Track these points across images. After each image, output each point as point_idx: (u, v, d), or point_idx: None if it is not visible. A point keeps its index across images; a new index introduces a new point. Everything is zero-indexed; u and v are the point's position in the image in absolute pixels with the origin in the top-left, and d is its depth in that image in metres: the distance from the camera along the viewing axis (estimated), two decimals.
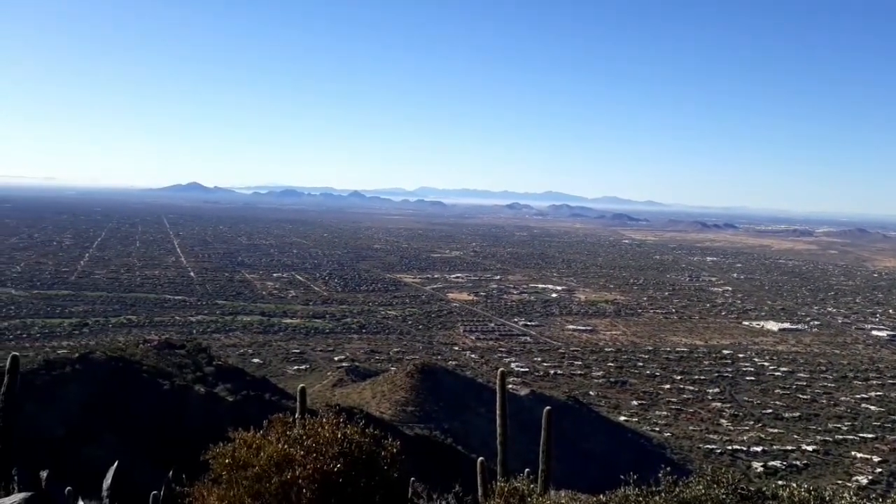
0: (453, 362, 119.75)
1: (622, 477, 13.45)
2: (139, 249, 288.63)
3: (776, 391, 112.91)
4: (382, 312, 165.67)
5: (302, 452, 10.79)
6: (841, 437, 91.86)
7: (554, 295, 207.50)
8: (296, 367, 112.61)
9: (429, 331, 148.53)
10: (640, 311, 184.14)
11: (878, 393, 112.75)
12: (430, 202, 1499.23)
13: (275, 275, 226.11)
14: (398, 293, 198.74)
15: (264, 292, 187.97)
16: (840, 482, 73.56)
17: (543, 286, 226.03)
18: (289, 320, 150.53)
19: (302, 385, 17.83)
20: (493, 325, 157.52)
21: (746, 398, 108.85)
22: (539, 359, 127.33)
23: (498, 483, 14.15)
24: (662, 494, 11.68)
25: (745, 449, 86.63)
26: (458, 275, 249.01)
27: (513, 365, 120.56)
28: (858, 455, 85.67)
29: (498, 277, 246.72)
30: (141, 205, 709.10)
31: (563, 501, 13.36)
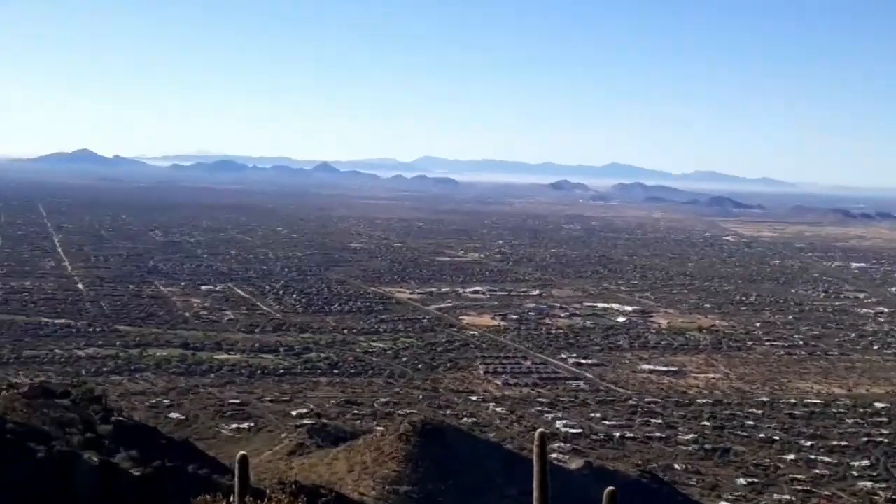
0: (469, 419, 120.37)
1: None
2: (1, 250, 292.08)
3: None
4: (364, 344, 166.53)
5: None
6: None
7: (621, 319, 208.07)
8: (234, 426, 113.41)
9: (433, 371, 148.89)
10: (750, 343, 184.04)
11: None
12: (435, 179, 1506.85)
13: (204, 288, 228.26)
14: (387, 315, 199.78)
15: (188, 314, 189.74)
16: None
17: (605, 305, 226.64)
18: (224, 356, 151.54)
19: (243, 453, 17.90)
20: (529, 363, 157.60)
21: None
22: (598, 414, 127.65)
23: None
24: None
25: None
26: (478, 288, 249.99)
27: (559, 424, 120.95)
28: None
29: (536, 292, 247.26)
30: (6, 183, 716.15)
31: None
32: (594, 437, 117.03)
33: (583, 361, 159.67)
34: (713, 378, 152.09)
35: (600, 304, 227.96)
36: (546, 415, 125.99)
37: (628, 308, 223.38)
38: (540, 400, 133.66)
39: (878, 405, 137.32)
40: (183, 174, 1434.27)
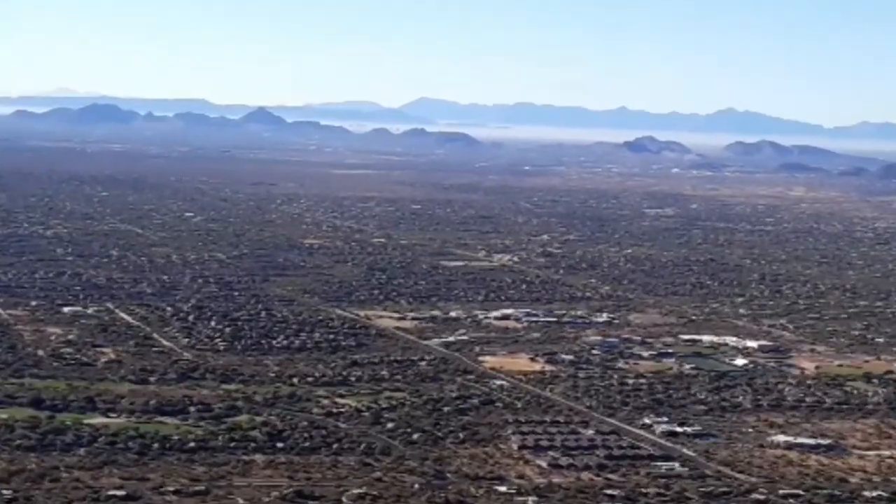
0: None
1: None
2: None
3: None
4: (325, 402, 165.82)
5: None
6: None
7: (740, 361, 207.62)
8: None
9: (436, 446, 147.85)
10: None
11: None
12: (439, 135, 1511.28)
13: (68, 310, 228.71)
14: (363, 355, 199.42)
15: (41, 352, 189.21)
16: None
17: (714, 340, 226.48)
18: (100, 419, 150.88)
19: None
20: (590, 432, 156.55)
21: None
22: None
23: None
24: None
25: None
26: (508, 311, 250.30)
27: None
28: None
29: (603, 318, 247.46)
30: None
31: None
32: None
33: (679, 430, 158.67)
34: (890, 458, 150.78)
35: (706, 338, 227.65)
36: None
37: (752, 344, 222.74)
38: (609, 493, 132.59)
39: None
40: (33, 126, 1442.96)
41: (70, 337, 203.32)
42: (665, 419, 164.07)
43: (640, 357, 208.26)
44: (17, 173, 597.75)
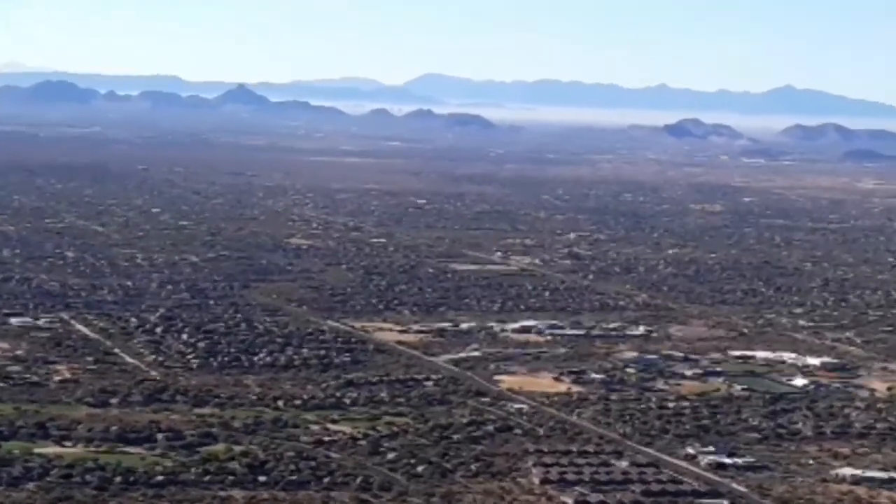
0: None
1: None
2: None
3: None
4: (315, 428, 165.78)
5: None
6: None
7: (800, 381, 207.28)
8: None
9: (445, 479, 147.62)
10: None
11: None
12: (448, 118, 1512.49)
13: (16, 321, 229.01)
14: (359, 373, 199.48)
15: None
16: None
17: (769, 356, 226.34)
18: (53, 449, 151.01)
19: None
20: (624, 464, 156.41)
21: None
22: None
23: None
24: None
25: None
26: (530, 323, 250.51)
27: None
28: None
29: (639, 331, 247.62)
30: None
31: None
32: None
33: (728, 461, 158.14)
34: None
35: (760, 354, 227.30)
36: None
37: (813, 361, 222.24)
38: None
39: None
40: None
41: (18, 352, 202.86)
42: (712, 449, 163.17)
43: (683, 376, 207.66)
44: None
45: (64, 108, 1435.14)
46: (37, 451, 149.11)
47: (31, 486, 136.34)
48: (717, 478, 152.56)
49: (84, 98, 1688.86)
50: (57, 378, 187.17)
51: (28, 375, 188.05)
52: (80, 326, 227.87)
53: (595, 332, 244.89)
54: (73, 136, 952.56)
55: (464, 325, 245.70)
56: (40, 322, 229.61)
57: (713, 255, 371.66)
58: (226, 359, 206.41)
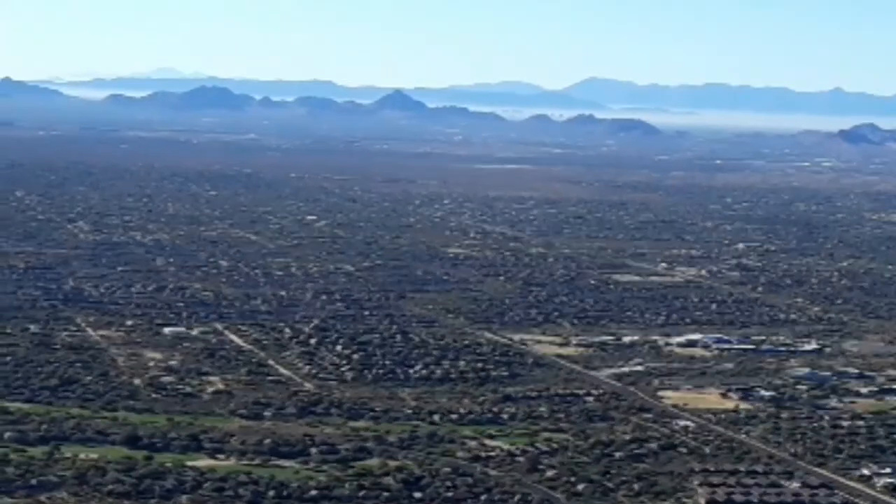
0: None
1: None
2: None
3: None
4: (472, 444, 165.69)
5: None
6: None
7: None
8: None
9: (606, 499, 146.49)
10: None
11: None
12: (612, 122, 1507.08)
13: (168, 331, 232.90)
14: (517, 387, 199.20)
15: (138, 380, 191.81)
16: None
17: None
18: (206, 462, 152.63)
19: None
20: (796, 485, 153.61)
21: None
22: None
23: None
24: None
25: None
26: (695, 337, 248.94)
27: None
28: None
29: (812, 346, 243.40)
30: None
31: None
32: None
33: None
34: None
35: None
36: None
37: None
38: None
39: None
40: (130, 112, 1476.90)
41: (171, 363, 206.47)
42: (888, 470, 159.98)
43: (858, 394, 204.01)
44: (111, 169, 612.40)
45: (218, 115, 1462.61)
46: (189, 463, 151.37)
47: (183, 499, 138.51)
48: (893, 501, 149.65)
49: (238, 104, 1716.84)
50: (210, 389, 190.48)
51: (181, 386, 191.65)
52: (233, 337, 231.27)
53: (764, 346, 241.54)
54: (226, 142, 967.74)
55: (626, 339, 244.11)
56: (193, 332, 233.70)
57: (890, 267, 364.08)
58: (380, 371, 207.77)
